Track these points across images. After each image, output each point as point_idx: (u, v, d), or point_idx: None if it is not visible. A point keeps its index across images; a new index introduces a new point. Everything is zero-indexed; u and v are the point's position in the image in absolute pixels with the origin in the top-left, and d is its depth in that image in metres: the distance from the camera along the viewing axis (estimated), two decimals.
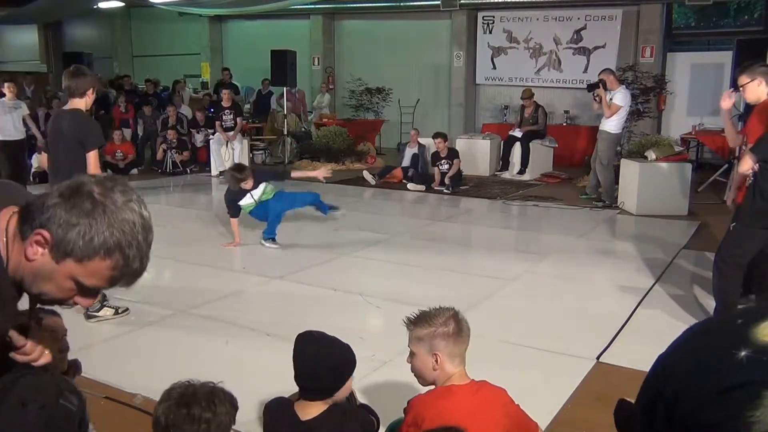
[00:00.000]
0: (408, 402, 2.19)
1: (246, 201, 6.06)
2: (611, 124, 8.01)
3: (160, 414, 1.81)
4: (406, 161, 10.17)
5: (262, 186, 6.10)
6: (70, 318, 4.21)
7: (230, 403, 1.87)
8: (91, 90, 4.20)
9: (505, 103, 13.58)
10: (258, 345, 3.81)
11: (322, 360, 2.15)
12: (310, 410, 2.15)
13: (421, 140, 10.32)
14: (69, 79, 4.18)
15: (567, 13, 12.78)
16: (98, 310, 4.25)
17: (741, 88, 4.11)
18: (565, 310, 4.54)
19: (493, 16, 13.62)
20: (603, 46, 12.46)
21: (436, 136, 9.71)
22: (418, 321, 2.15)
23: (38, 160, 9.63)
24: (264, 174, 6.47)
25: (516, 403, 2.20)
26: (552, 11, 12.96)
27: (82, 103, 4.21)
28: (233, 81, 14.29)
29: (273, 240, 6.08)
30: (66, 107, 4.27)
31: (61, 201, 1.23)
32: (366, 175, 10.01)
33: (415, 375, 2.22)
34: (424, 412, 2.09)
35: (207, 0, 14.27)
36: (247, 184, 5.97)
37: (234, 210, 6.11)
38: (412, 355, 2.18)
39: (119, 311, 4.31)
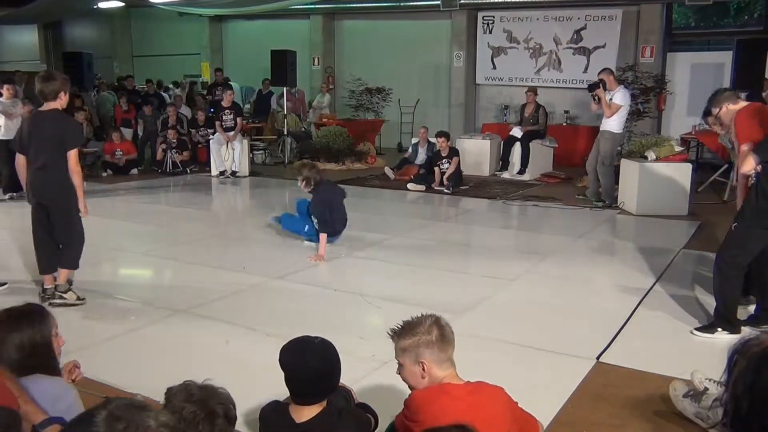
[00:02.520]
0: (404, 402, 2.21)
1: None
2: (613, 124, 7.99)
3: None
4: (419, 161, 10.28)
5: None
6: (71, 318, 4.23)
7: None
8: (62, 92, 4.36)
9: (505, 103, 13.58)
10: (258, 345, 3.81)
11: (312, 366, 2.17)
12: (305, 412, 2.17)
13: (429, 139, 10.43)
14: (40, 83, 4.37)
15: (567, 13, 12.78)
16: (65, 292, 4.48)
17: (718, 119, 4.30)
18: (565, 310, 4.54)
19: (493, 16, 13.62)
20: (603, 46, 12.46)
21: (439, 134, 9.75)
22: (402, 332, 2.18)
23: None
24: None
25: (515, 401, 2.21)
26: (552, 11, 12.96)
27: (57, 105, 4.38)
28: (230, 81, 14.28)
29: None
30: (43, 108, 4.42)
31: None
32: (387, 170, 10.29)
33: (407, 385, 2.25)
34: (419, 411, 2.10)
35: (207, 0, 14.27)
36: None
37: (325, 222, 5.76)
38: (400, 366, 2.22)
39: (80, 298, 4.51)
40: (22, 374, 2.07)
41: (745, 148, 4.07)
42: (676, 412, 3.00)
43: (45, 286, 4.59)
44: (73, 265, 4.58)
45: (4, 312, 2.17)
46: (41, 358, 2.14)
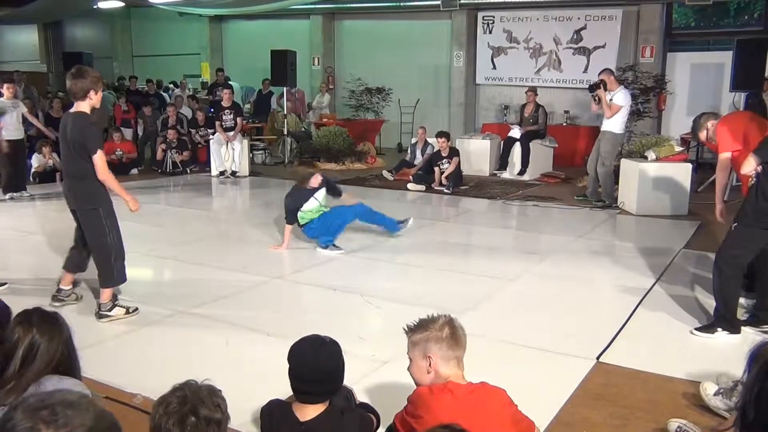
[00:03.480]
0: (408, 398, 2.23)
1: (310, 205, 5.94)
2: (614, 125, 7.98)
3: (171, 426, 1.70)
4: (417, 160, 10.29)
5: (323, 190, 6.07)
6: (71, 318, 4.22)
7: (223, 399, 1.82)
8: (92, 91, 4.10)
9: (505, 103, 13.58)
10: (258, 345, 3.81)
11: (324, 366, 2.17)
12: (309, 411, 2.17)
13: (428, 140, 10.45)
14: (69, 81, 4.12)
15: (567, 13, 12.78)
16: (110, 310, 4.27)
17: (708, 141, 4.67)
18: (565, 310, 4.54)
19: (493, 16, 13.62)
20: (603, 46, 12.46)
21: (439, 135, 9.76)
22: (415, 327, 2.24)
23: (38, 160, 9.64)
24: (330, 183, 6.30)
25: (514, 403, 2.22)
26: (552, 11, 12.96)
27: (86, 105, 4.11)
28: (230, 81, 14.28)
29: (333, 245, 5.94)
30: (71, 110, 4.20)
31: None
32: (385, 173, 10.31)
33: (414, 382, 2.27)
34: (421, 407, 2.13)
35: (207, 0, 14.27)
36: (315, 180, 5.95)
37: (291, 216, 5.97)
38: (410, 362, 2.26)
39: (130, 311, 4.33)
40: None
41: (724, 156, 4.37)
42: (702, 409, 3.00)
43: (61, 286, 4.48)
44: (108, 282, 4.28)
45: (40, 318, 2.16)
46: (67, 361, 2.16)
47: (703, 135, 4.70)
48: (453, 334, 2.19)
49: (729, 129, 4.39)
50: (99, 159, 4.03)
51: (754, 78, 9.23)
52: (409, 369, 2.28)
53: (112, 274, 4.27)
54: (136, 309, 4.37)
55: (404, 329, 2.28)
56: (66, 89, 4.31)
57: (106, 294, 4.28)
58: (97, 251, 4.27)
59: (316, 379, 2.14)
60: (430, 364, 2.17)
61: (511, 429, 2.16)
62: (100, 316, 4.26)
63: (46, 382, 2.06)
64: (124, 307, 4.33)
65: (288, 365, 2.18)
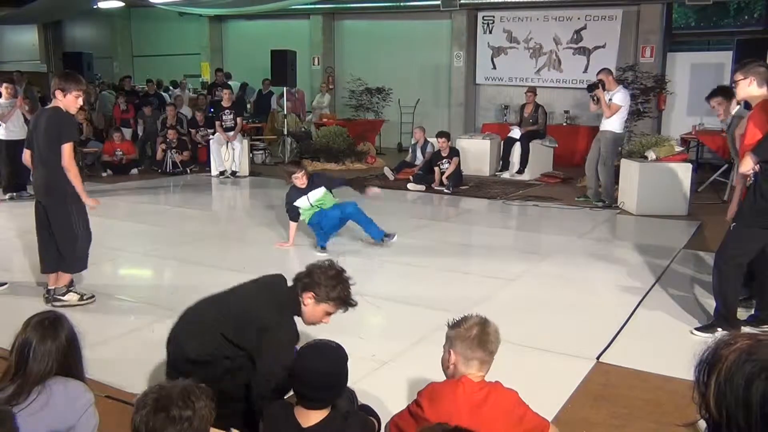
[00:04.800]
0: (418, 392, 2.30)
1: (301, 203, 5.91)
2: (614, 124, 7.97)
3: (139, 423, 1.76)
4: (418, 161, 10.29)
5: (321, 191, 5.95)
6: (72, 318, 4.22)
7: (207, 396, 1.83)
8: (59, 91, 4.30)
9: (505, 103, 13.59)
10: None
11: (332, 372, 2.15)
12: (312, 417, 2.13)
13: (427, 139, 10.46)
14: (53, 80, 4.45)
15: (567, 13, 12.78)
16: (63, 294, 4.45)
17: (734, 84, 4.11)
18: (565, 310, 4.54)
19: (493, 16, 13.62)
20: (603, 46, 12.46)
21: (439, 135, 9.76)
22: (455, 322, 2.34)
23: None
24: (327, 179, 6.25)
25: (525, 405, 2.24)
26: (552, 11, 12.96)
27: (59, 104, 4.35)
28: (230, 81, 14.27)
29: (323, 248, 5.91)
30: (48, 106, 4.48)
31: None
32: (386, 171, 10.27)
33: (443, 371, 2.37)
34: (428, 395, 2.20)
35: (207, 0, 14.27)
36: (299, 181, 5.85)
37: (292, 213, 6.00)
38: (443, 352, 2.36)
39: (84, 298, 4.49)
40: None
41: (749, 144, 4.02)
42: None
43: (48, 287, 4.56)
44: (70, 269, 4.50)
45: (37, 320, 2.17)
46: (68, 362, 2.17)
47: (739, 77, 3.95)
48: (479, 336, 2.23)
49: (755, 123, 3.98)
50: (68, 148, 4.28)
51: None
52: (441, 358, 2.36)
53: (73, 262, 4.47)
54: (92, 297, 4.53)
55: (446, 323, 2.37)
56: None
57: (62, 279, 4.49)
58: (62, 240, 4.42)
59: (320, 385, 2.11)
60: (450, 359, 2.25)
61: (516, 428, 2.18)
62: (53, 299, 4.41)
63: (52, 385, 2.07)
64: (78, 294, 4.51)
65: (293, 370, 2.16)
